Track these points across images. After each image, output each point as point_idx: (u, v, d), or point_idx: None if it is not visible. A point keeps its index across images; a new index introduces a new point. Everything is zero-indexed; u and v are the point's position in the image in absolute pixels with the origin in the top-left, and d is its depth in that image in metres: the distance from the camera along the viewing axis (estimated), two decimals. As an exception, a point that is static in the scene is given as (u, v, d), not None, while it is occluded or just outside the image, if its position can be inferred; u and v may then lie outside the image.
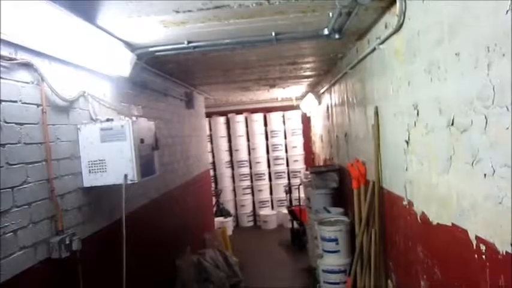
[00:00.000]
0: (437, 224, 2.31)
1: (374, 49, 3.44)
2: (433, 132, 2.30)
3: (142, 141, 3.29)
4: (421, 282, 2.67)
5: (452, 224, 2.09)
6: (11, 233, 2.30)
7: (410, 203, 2.82)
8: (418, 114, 2.54)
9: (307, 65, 5.94)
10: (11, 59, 2.39)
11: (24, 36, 2.40)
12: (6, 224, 2.27)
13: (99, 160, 3.12)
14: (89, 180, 3.13)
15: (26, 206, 2.43)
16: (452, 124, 2.02)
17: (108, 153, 3.12)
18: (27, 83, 2.55)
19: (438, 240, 2.34)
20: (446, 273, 2.27)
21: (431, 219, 2.42)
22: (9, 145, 2.34)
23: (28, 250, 2.43)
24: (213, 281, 5.42)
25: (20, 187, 2.40)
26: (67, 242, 2.70)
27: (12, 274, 2.27)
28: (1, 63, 2.31)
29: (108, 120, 3.24)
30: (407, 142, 2.78)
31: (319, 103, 8.21)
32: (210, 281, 5.38)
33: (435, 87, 2.22)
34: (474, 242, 1.85)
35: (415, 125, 2.60)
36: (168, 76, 5.46)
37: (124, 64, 3.61)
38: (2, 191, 2.25)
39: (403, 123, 2.83)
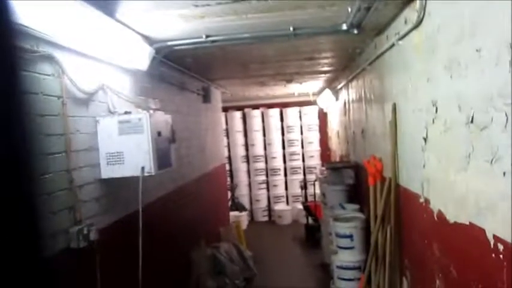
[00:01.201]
0: (455, 222, 2.29)
1: (393, 45, 3.41)
2: (452, 130, 2.27)
3: (159, 134, 3.32)
4: (437, 280, 2.65)
5: (470, 222, 2.07)
6: (31, 222, 2.35)
7: (427, 201, 2.79)
8: (436, 111, 2.51)
9: (325, 61, 5.91)
10: (33, 52, 2.44)
11: (46, 30, 2.45)
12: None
13: (117, 152, 3.16)
14: (107, 171, 3.18)
15: (46, 196, 2.48)
16: (471, 121, 1.99)
17: (125, 145, 3.16)
18: (48, 75, 2.59)
19: (455, 238, 2.31)
20: (463, 273, 2.25)
21: (448, 217, 2.39)
22: (30, 136, 2.38)
23: (47, 239, 2.48)
24: (227, 274, 5.46)
25: (41, 177, 2.45)
26: (85, 232, 2.75)
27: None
28: (23, 56, 2.36)
29: (126, 113, 3.28)
30: (425, 139, 2.75)
31: (336, 99, 8.16)
32: (224, 274, 5.42)
33: (455, 83, 2.19)
34: (492, 242, 1.83)
35: (433, 122, 2.57)
36: (186, 70, 5.49)
37: (142, 58, 3.64)
38: (23, 180, 2.30)
39: (421, 120, 2.80)
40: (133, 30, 3.40)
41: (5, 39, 0.51)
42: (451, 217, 2.34)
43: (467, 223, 2.10)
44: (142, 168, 3.14)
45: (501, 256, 1.76)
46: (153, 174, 3.19)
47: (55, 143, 2.62)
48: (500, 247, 1.76)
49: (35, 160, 0.53)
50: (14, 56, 0.53)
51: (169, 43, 3.83)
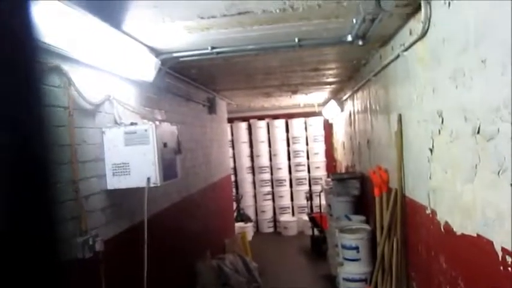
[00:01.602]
0: (462, 234, 2.27)
1: (398, 56, 3.41)
2: (458, 140, 2.26)
3: (165, 145, 3.33)
4: (444, 293, 2.62)
5: (477, 234, 2.05)
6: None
7: (433, 212, 2.77)
8: (442, 121, 2.50)
9: (330, 71, 5.92)
10: (40, 63, 2.46)
11: (53, 41, 2.47)
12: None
13: (123, 163, 3.17)
14: (113, 182, 3.18)
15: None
16: (478, 132, 1.98)
17: (131, 156, 3.17)
18: (55, 86, 2.62)
19: (462, 250, 2.29)
20: (471, 285, 2.22)
21: (455, 229, 2.37)
22: (36, 147, 2.40)
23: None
24: (233, 285, 5.43)
25: (55, 185, 2.46)
26: (90, 243, 2.75)
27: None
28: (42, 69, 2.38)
29: (132, 124, 3.29)
30: (431, 150, 2.74)
31: (342, 110, 8.16)
32: (229, 285, 5.39)
33: (460, 94, 2.19)
34: (500, 254, 1.81)
35: (439, 132, 2.56)
36: (191, 81, 5.52)
37: (148, 69, 3.67)
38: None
39: (427, 130, 2.79)
40: (140, 41, 3.44)
41: (29, 54, 0.54)
42: (458, 229, 2.32)
43: (475, 235, 2.08)
44: (148, 179, 3.14)
45: (510, 269, 1.73)
46: (158, 185, 3.19)
47: (61, 154, 2.63)
48: (509, 259, 1.74)
49: (52, 169, 0.57)
50: (36, 70, 0.56)
51: (175, 54, 3.86)
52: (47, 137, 0.55)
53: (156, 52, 3.76)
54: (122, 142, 3.18)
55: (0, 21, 0.51)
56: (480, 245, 2.01)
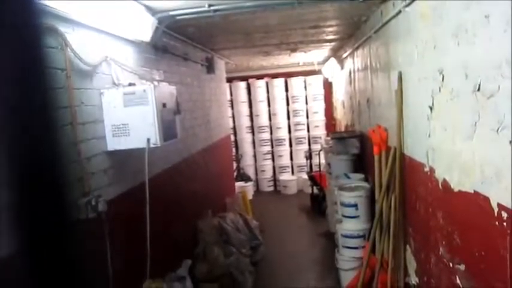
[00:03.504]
0: (459, 191, 2.30)
1: (399, 12, 3.34)
2: (458, 98, 2.26)
3: (164, 105, 3.32)
4: (440, 248, 2.69)
5: (475, 191, 2.08)
6: None
7: (431, 170, 2.80)
8: (443, 79, 2.48)
9: (330, 29, 5.82)
10: (34, 24, 2.42)
11: (48, 1, 2.42)
12: None
13: (122, 124, 3.17)
14: (113, 144, 3.20)
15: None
16: (478, 89, 1.97)
17: (130, 117, 3.16)
18: (51, 47, 2.58)
19: (459, 207, 2.33)
20: (466, 240, 2.28)
21: (452, 186, 2.41)
22: None
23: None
24: (234, 243, 5.56)
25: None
26: (93, 204, 2.80)
27: (43, 233, 2.37)
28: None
29: (130, 84, 3.27)
30: (431, 108, 2.74)
31: (342, 68, 8.08)
32: (230, 243, 5.52)
33: (462, 51, 2.16)
34: (496, 210, 1.84)
35: (439, 90, 2.55)
36: (189, 41, 5.43)
37: (145, 29, 3.61)
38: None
39: (427, 88, 2.78)
40: (136, 0, 3.35)
41: (30, 16, 0.55)
42: (456, 186, 2.36)
43: (472, 191, 2.11)
44: (148, 139, 3.15)
45: (505, 224, 1.77)
46: (159, 145, 3.20)
47: (61, 116, 2.63)
48: (504, 215, 1.77)
49: (59, 132, 0.60)
50: (39, 32, 0.57)
51: (172, 13, 3.78)
52: (52, 100, 0.57)
53: (153, 11, 3.68)
54: (120, 103, 3.17)
55: None
56: (477, 201, 2.04)
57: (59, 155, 0.58)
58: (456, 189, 2.35)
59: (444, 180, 2.55)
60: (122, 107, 3.17)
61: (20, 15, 0.53)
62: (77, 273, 0.58)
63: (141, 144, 3.17)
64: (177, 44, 5.09)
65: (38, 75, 0.54)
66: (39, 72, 0.54)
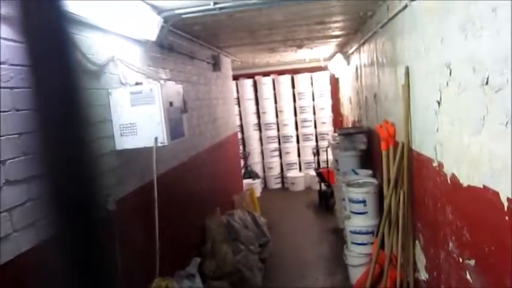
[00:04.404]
0: (468, 185, 2.29)
1: (406, 6, 3.32)
2: (466, 92, 2.24)
3: (171, 104, 3.33)
4: (450, 243, 2.67)
5: (484, 186, 2.07)
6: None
7: (440, 165, 2.79)
8: (450, 73, 2.46)
9: (336, 25, 5.79)
10: None
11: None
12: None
13: (130, 123, 3.19)
14: (121, 143, 3.21)
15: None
16: (486, 83, 1.95)
17: (138, 116, 3.18)
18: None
19: (468, 202, 2.32)
20: (476, 235, 2.27)
21: (461, 181, 2.39)
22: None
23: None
24: (242, 240, 5.57)
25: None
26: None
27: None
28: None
29: (137, 84, 3.28)
30: (438, 102, 2.72)
31: (348, 64, 8.05)
32: (239, 240, 5.53)
33: (469, 45, 2.14)
34: (506, 204, 1.83)
35: (447, 84, 2.53)
36: (195, 39, 5.44)
37: (151, 28, 3.61)
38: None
39: (434, 83, 2.76)
40: (141, -1, 3.37)
41: (59, 23, 0.64)
42: (465, 180, 2.34)
43: (481, 186, 2.10)
44: (156, 138, 3.17)
45: (515, 218, 1.76)
46: (166, 144, 3.21)
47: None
48: (514, 209, 1.76)
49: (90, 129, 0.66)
50: (69, 37, 0.65)
51: (178, 11, 3.79)
52: (86, 99, 0.63)
53: (158, 10, 3.69)
54: (128, 102, 3.18)
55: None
56: (486, 196, 2.03)
57: (90, 149, 0.65)
58: (465, 184, 2.33)
59: (453, 175, 2.54)
60: (129, 106, 3.18)
61: (54, 20, 0.63)
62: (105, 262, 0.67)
63: (148, 143, 3.18)
64: (183, 42, 5.10)
65: (72, 77, 0.60)
66: (72, 73, 0.60)
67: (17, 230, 2.15)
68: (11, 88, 2.18)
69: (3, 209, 2.08)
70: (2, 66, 2.13)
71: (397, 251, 3.80)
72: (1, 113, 2.10)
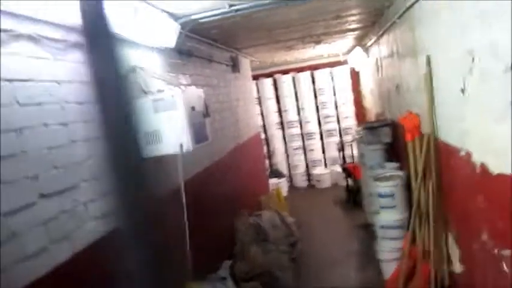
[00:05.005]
0: (498, 174, 2.24)
1: (423, -5, 3.27)
2: (490, 79, 2.19)
3: (193, 109, 3.36)
4: (483, 234, 2.62)
5: (514, 173, 2.02)
6: (82, 206, 2.47)
7: (468, 154, 2.73)
8: (473, 60, 2.41)
9: (353, 18, 5.73)
10: (64, 40, 2.50)
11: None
12: (77, 198, 2.44)
13: (154, 131, 3.23)
14: (147, 151, 3.23)
15: (93, 181, 2.58)
16: (510, 69, 1.91)
17: (161, 123, 3.21)
18: (81, 62, 2.65)
19: (499, 190, 2.27)
20: (508, 222, 2.21)
21: (491, 169, 2.34)
22: (71, 124, 2.47)
23: (98, 220, 2.60)
24: (272, 241, 5.58)
25: (87, 162, 2.55)
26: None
27: (88, 243, 2.46)
28: (55, 46, 2.42)
29: (158, 91, 3.33)
30: (462, 90, 2.67)
31: (368, 56, 7.96)
32: (268, 241, 5.54)
33: (491, 31, 2.10)
34: (538, 190, 1.79)
35: (470, 72, 2.48)
36: (213, 42, 5.48)
37: (169, 34, 3.66)
38: (69, 166, 2.40)
39: (457, 71, 2.71)
40: (158, 7, 3.41)
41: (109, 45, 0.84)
42: (494, 169, 2.29)
43: (511, 173, 2.05)
44: (181, 145, 3.20)
45: (549, 205, 1.72)
46: (191, 149, 3.24)
47: (95, 128, 2.70)
48: (548, 196, 1.71)
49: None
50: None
51: (194, 17, 3.82)
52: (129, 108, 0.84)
53: (175, 17, 3.74)
54: (151, 110, 3.22)
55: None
56: (518, 184, 1.98)
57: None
58: (495, 173, 2.28)
59: (482, 164, 2.48)
60: (153, 113, 3.22)
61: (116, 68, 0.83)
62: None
63: (174, 149, 3.21)
64: (201, 46, 5.14)
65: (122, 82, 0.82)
66: (121, 78, 0.83)
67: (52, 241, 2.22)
68: (39, 103, 2.25)
69: (39, 222, 2.14)
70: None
71: (429, 244, 3.74)
72: (33, 129, 2.17)
